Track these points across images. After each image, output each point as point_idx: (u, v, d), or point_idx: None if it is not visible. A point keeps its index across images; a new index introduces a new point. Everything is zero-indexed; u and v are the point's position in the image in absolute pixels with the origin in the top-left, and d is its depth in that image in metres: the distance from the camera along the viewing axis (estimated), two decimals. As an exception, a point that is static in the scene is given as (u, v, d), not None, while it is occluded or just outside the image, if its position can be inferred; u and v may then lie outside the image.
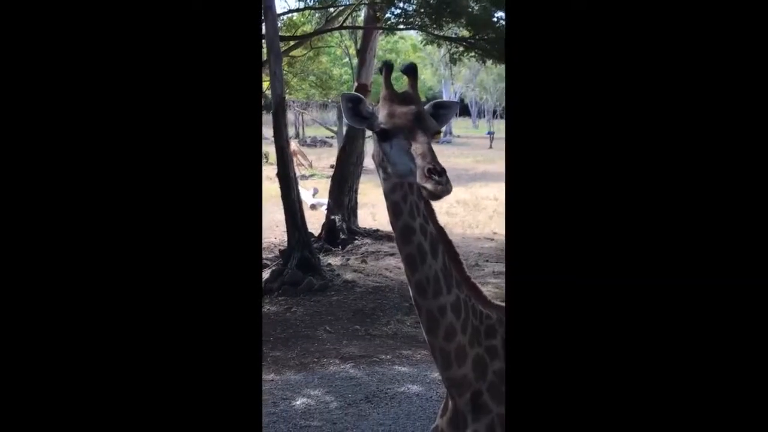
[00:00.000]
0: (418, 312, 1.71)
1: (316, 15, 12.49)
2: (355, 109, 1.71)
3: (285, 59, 9.95)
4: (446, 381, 1.76)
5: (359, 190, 10.08)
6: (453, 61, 9.13)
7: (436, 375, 4.77)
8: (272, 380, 4.81)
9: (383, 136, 1.62)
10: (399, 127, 1.59)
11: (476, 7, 8.10)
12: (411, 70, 1.65)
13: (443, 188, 1.48)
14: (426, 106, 1.72)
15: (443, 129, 1.75)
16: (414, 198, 1.68)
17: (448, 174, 1.57)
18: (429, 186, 1.48)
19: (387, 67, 1.64)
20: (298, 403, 4.39)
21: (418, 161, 1.50)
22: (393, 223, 1.68)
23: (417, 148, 1.54)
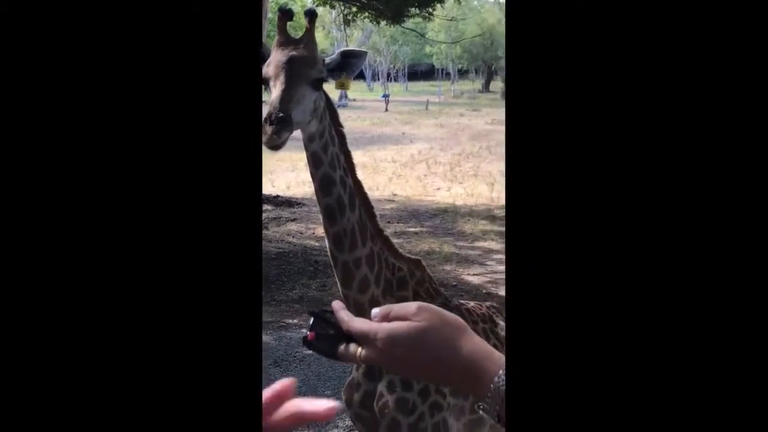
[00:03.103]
0: (333, 264, 1.70)
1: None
2: None
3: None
4: (361, 334, 1.77)
5: (257, 156, 9.87)
6: (347, 22, 9.04)
7: (344, 335, 4.81)
8: (176, 351, 4.69)
9: (264, 85, 1.56)
10: (270, 74, 1.54)
11: (369, -33, 8.02)
12: (309, 14, 1.58)
13: (267, 137, 1.45)
14: (334, 55, 1.68)
15: (345, 78, 1.69)
16: (335, 149, 1.65)
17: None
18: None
19: (282, 13, 1.57)
20: (205, 372, 4.31)
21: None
22: (313, 173, 1.65)
23: (272, 95, 1.50)
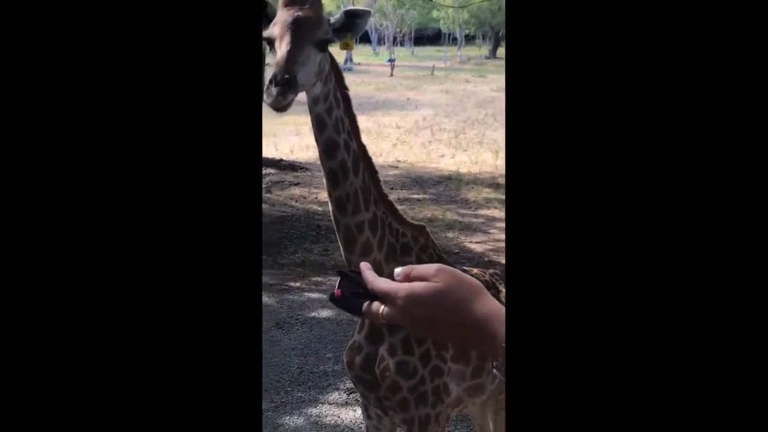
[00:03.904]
0: (336, 227, 1.69)
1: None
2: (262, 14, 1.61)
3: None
4: (363, 297, 1.78)
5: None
6: (354, -17, 8.88)
7: (346, 299, 4.84)
8: (179, 312, 4.73)
9: (269, 45, 1.54)
10: (275, 35, 1.52)
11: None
12: None
13: (273, 99, 1.43)
14: (337, 15, 1.64)
15: (350, 39, 1.66)
16: (339, 112, 1.63)
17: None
18: (264, 98, 1.43)
19: None
20: (207, 333, 4.35)
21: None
22: (317, 136, 1.63)
23: (277, 56, 1.48)
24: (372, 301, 0.86)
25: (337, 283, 0.90)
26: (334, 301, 0.90)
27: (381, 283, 0.86)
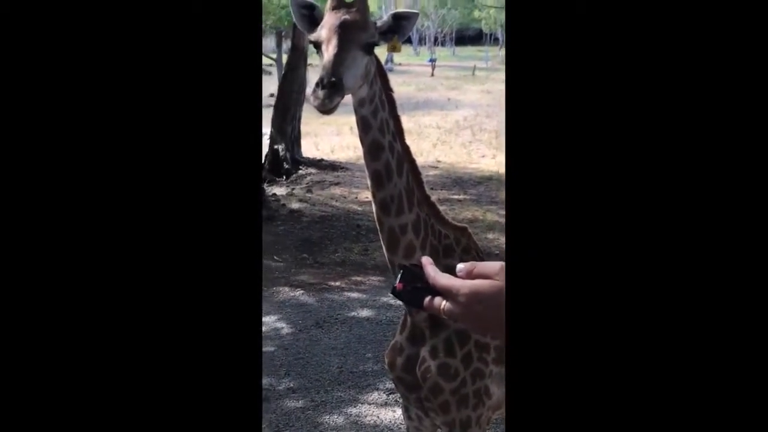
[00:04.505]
0: (379, 229, 1.70)
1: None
2: (310, 16, 1.63)
3: (220, -19, 9.44)
4: (405, 298, 1.78)
5: (302, 119, 9.90)
6: (396, -16, 8.88)
7: (385, 299, 4.85)
8: (222, 309, 4.80)
9: (316, 48, 1.56)
10: (322, 38, 1.53)
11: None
12: None
13: (319, 102, 1.44)
14: (384, 18, 1.65)
15: (397, 41, 1.67)
16: (384, 114, 1.64)
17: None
18: (311, 100, 1.45)
19: None
20: (249, 330, 4.40)
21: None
22: (362, 138, 1.64)
23: (324, 58, 1.49)
24: (434, 296, 0.86)
25: (399, 276, 0.90)
26: (396, 294, 0.90)
27: (443, 279, 0.86)
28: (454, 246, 1.81)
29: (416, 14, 1.66)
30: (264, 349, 4.13)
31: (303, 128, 10.08)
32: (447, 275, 0.86)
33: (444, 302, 0.85)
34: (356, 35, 1.52)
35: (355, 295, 5.12)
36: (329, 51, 1.48)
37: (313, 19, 1.61)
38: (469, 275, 0.85)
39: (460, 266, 0.87)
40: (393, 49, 1.66)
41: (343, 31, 1.50)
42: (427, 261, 0.89)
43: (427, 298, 0.87)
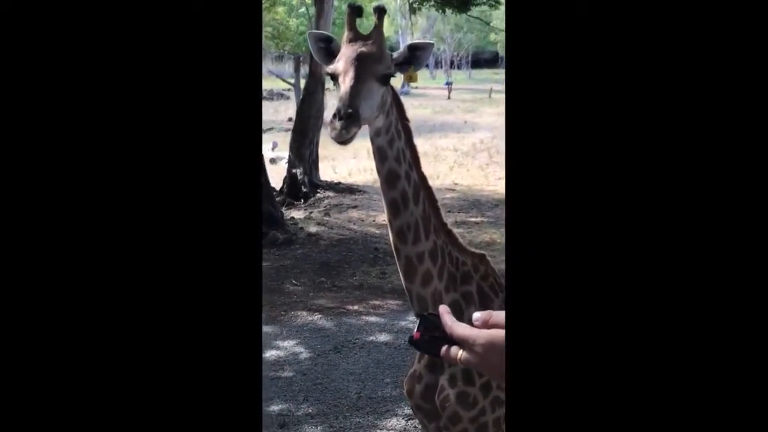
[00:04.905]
0: (396, 257, 1.71)
1: (271, -38, 12.09)
2: (327, 49, 1.66)
3: (239, 9, 9.58)
4: (423, 326, 1.78)
5: (320, 143, 9.97)
6: (413, 10, 8.99)
7: (404, 324, 4.84)
8: (240, 334, 4.80)
9: (333, 80, 1.59)
10: (339, 70, 1.56)
11: (436, -46, 7.94)
12: (378, 11, 1.59)
13: (336, 133, 1.47)
14: (401, 49, 1.68)
15: (413, 71, 1.70)
16: (401, 144, 1.66)
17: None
18: (328, 131, 1.48)
19: (351, 10, 1.59)
20: (268, 354, 4.41)
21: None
22: (378, 167, 1.66)
23: (341, 90, 1.52)
24: (450, 345, 0.88)
25: (416, 326, 0.92)
26: (413, 343, 0.92)
27: (460, 329, 0.88)
28: (472, 273, 1.81)
29: (431, 44, 1.69)
30: (282, 374, 4.13)
31: (321, 152, 10.15)
32: (464, 325, 0.88)
33: (461, 351, 0.87)
34: (372, 67, 1.54)
35: (373, 319, 5.11)
36: (346, 83, 1.51)
37: (330, 52, 1.64)
38: (485, 324, 0.87)
39: (476, 315, 0.89)
40: (409, 79, 1.68)
41: (360, 64, 1.53)
42: (444, 310, 0.91)
43: (444, 347, 0.89)
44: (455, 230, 1.82)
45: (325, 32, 1.69)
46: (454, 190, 10.32)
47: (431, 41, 1.72)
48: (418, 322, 0.93)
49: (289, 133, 9.91)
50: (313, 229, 7.82)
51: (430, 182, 1.75)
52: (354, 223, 8.17)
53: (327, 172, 11.03)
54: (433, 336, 0.90)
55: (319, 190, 9.65)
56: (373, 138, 1.63)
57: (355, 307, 5.36)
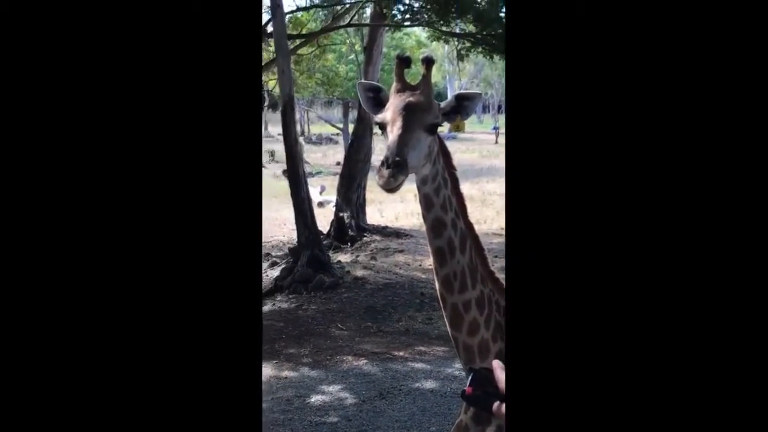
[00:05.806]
0: (442, 305, 1.70)
1: (323, 13, 12.48)
2: (376, 98, 1.70)
3: (292, 57, 9.93)
4: (470, 376, 1.76)
5: (367, 187, 10.07)
6: (460, 57, 9.10)
7: (450, 371, 4.77)
8: (287, 377, 4.81)
9: (381, 129, 1.62)
10: (387, 119, 1.59)
11: (483, 3, 8.06)
12: (426, 61, 1.63)
13: (384, 181, 1.49)
14: (448, 99, 1.70)
15: (460, 121, 1.72)
16: (447, 192, 1.67)
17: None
18: (376, 179, 1.50)
19: (399, 60, 1.63)
20: (313, 399, 4.39)
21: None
22: (424, 215, 1.68)
23: (389, 139, 1.54)
24: (503, 401, 0.88)
25: (468, 380, 0.93)
26: (466, 398, 0.93)
27: None
28: (519, 322, 1.79)
29: (479, 95, 1.71)
30: (328, 419, 4.10)
31: (368, 196, 10.24)
32: None
33: None
34: (420, 117, 1.57)
35: (419, 365, 5.05)
36: (394, 132, 1.54)
37: (378, 101, 1.68)
38: None
39: None
40: (456, 128, 1.71)
41: (408, 113, 1.56)
42: (497, 365, 0.91)
43: (496, 404, 0.89)
44: (501, 276, 1.81)
45: (374, 82, 1.74)
46: (501, 235, 10.21)
47: (479, 92, 1.74)
48: (471, 376, 0.93)
49: (337, 177, 10.04)
50: (359, 273, 7.83)
51: (477, 227, 1.75)
52: (400, 268, 8.16)
53: (374, 215, 11.09)
54: (485, 391, 0.90)
55: (365, 234, 9.70)
56: (420, 186, 1.65)
57: (401, 353, 5.32)
